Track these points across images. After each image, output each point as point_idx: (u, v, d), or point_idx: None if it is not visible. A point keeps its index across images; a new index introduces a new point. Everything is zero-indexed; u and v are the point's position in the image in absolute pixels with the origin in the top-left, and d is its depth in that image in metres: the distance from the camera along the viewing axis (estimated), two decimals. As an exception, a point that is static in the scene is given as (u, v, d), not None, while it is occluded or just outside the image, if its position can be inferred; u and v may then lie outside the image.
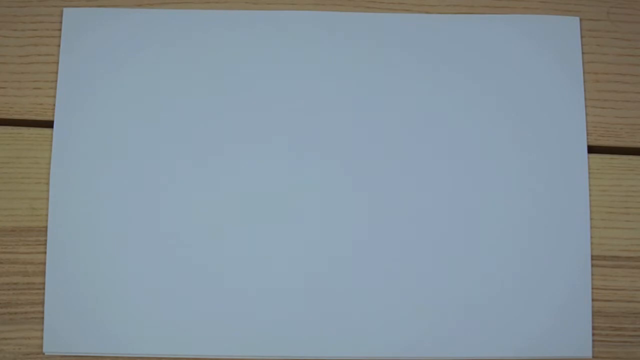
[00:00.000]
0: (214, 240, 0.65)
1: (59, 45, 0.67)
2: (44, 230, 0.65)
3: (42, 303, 0.64)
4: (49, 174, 0.65)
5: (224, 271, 0.64)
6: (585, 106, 0.67)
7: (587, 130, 0.67)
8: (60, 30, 0.67)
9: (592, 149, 0.66)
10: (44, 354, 0.64)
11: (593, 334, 0.64)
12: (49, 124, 0.66)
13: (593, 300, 0.65)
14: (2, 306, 0.64)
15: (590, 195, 0.66)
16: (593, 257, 0.65)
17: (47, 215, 0.65)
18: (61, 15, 0.67)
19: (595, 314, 0.65)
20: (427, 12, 0.68)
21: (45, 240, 0.65)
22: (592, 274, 0.65)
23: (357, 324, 0.64)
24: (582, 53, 0.67)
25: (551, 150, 0.66)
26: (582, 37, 0.68)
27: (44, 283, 0.64)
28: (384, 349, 0.64)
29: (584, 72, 0.67)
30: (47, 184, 0.65)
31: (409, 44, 0.67)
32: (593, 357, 0.64)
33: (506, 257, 0.65)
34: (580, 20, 0.68)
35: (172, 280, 0.64)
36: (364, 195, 0.65)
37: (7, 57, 0.67)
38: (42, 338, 0.64)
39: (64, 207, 0.65)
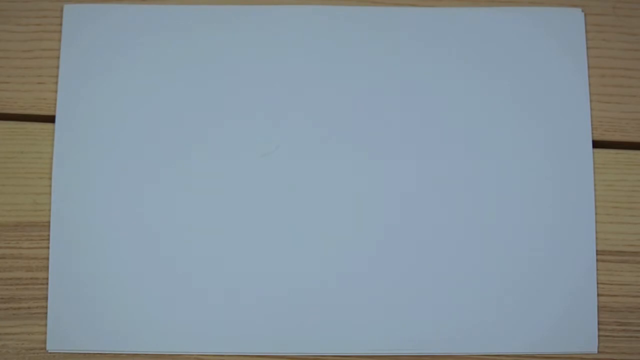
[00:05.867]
0: (217, 238, 0.65)
1: (62, 41, 0.67)
2: (47, 225, 0.65)
3: (46, 298, 0.64)
4: (52, 169, 0.65)
5: (228, 269, 0.64)
6: (591, 101, 0.67)
7: (592, 125, 0.66)
8: (63, 25, 0.68)
9: (597, 144, 0.66)
10: (47, 351, 0.64)
11: (598, 329, 0.64)
12: (52, 119, 0.66)
13: (598, 295, 0.64)
14: (5, 301, 0.64)
15: (595, 190, 0.65)
16: (598, 252, 0.65)
17: (50, 210, 0.65)
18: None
19: (601, 309, 0.64)
20: (431, 6, 0.68)
21: (49, 236, 0.65)
22: (598, 269, 0.65)
23: (366, 321, 0.64)
24: (588, 48, 0.67)
25: (556, 145, 0.66)
26: (587, 31, 0.68)
27: (47, 278, 0.64)
28: (392, 345, 0.64)
29: (589, 67, 0.67)
30: (50, 179, 0.65)
31: (413, 38, 0.67)
32: (598, 352, 0.64)
33: (510, 252, 0.65)
34: (586, 15, 0.68)
35: (176, 277, 0.64)
36: (373, 193, 0.65)
37: (11, 51, 0.67)
38: (45, 334, 0.64)
39: (67, 202, 0.65)
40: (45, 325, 0.64)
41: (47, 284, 0.64)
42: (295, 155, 0.66)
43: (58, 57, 0.67)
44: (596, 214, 0.65)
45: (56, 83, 0.67)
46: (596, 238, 0.65)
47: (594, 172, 0.66)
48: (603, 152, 0.66)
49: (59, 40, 0.67)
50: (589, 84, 0.67)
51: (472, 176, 0.65)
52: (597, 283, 0.65)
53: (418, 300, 0.64)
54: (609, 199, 0.66)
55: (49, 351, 0.64)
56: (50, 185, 0.65)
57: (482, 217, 0.65)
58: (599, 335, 0.64)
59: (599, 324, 0.64)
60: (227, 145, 0.66)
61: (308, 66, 0.67)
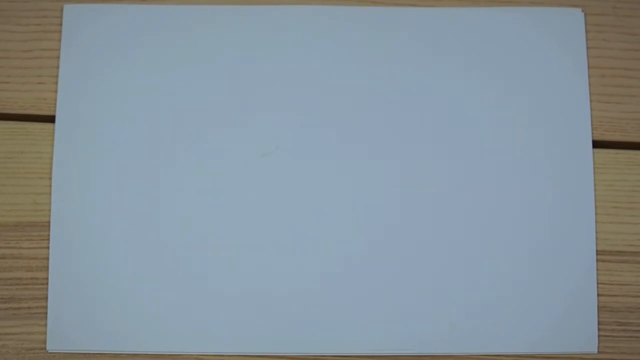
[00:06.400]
0: (216, 238, 0.65)
1: (63, 41, 0.67)
2: (47, 225, 0.65)
3: (46, 298, 0.64)
4: (52, 169, 0.65)
5: (228, 269, 0.64)
6: (591, 101, 0.67)
7: (592, 125, 0.66)
8: (63, 25, 0.68)
9: (597, 144, 0.66)
10: (47, 351, 0.64)
11: (598, 329, 0.64)
12: (52, 119, 0.66)
13: (598, 295, 0.64)
14: (5, 301, 0.64)
15: (595, 190, 0.65)
16: (598, 252, 0.65)
17: (50, 210, 0.65)
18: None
19: (601, 309, 0.64)
20: (431, 6, 0.68)
21: (49, 236, 0.65)
22: (598, 269, 0.65)
23: (366, 321, 0.64)
24: (588, 48, 0.67)
25: (556, 145, 0.66)
26: (587, 31, 0.67)
27: (47, 278, 0.64)
28: (392, 345, 0.64)
29: (589, 67, 0.67)
30: (50, 179, 0.65)
31: (413, 38, 0.67)
32: (598, 352, 0.64)
33: (510, 252, 0.65)
34: (586, 15, 0.68)
35: (175, 277, 0.64)
36: (373, 193, 0.65)
37: (11, 51, 0.67)
38: (45, 334, 0.64)
39: (67, 202, 0.65)
40: (45, 325, 0.64)
41: (47, 284, 0.64)
42: (295, 155, 0.66)
43: (58, 57, 0.67)
44: (596, 214, 0.65)
45: (56, 83, 0.67)
46: (596, 238, 0.65)
47: (594, 172, 0.66)
48: (603, 152, 0.66)
49: (59, 40, 0.67)
50: (589, 84, 0.67)
51: (472, 176, 0.65)
52: (597, 283, 0.65)
53: (418, 300, 0.64)
54: (609, 199, 0.66)
55: (49, 351, 0.64)
56: (50, 185, 0.65)
57: (482, 217, 0.65)
58: (599, 335, 0.64)
59: (599, 324, 0.64)
60: (227, 145, 0.66)
61: (308, 66, 0.67)
